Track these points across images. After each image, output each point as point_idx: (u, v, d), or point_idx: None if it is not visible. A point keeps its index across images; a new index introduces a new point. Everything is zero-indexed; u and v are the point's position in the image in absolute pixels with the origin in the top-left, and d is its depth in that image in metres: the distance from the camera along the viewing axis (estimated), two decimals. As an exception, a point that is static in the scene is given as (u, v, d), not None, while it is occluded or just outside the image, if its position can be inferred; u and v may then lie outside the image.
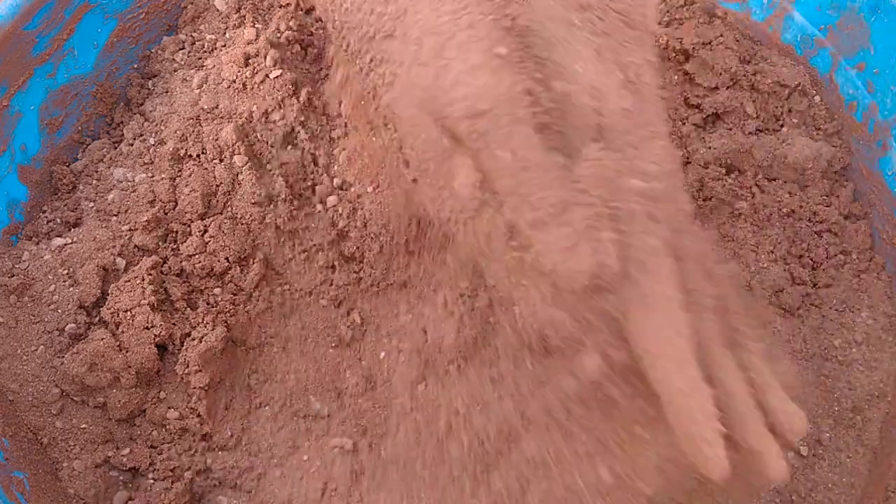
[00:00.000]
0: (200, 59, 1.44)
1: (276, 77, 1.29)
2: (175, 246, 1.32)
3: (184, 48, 1.48)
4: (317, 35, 1.43)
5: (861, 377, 1.33)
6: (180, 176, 1.30)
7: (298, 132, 1.30)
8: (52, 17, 1.38)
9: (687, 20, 1.55)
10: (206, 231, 1.29)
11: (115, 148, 1.41)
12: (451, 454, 1.20)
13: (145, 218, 1.31)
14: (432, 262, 1.28)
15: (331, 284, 1.31)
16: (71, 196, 1.40)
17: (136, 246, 1.32)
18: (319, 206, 1.29)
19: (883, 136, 1.43)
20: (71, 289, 1.28)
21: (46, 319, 1.26)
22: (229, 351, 1.26)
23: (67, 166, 1.42)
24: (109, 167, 1.41)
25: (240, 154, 1.26)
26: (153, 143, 1.37)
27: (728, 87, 1.49)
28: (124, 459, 1.19)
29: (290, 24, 1.39)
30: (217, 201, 1.29)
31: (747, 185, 1.44)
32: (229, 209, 1.28)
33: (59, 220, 1.39)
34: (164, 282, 1.28)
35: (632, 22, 0.84)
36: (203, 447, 1.23)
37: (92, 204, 1.37)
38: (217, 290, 1.30)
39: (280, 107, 1.30)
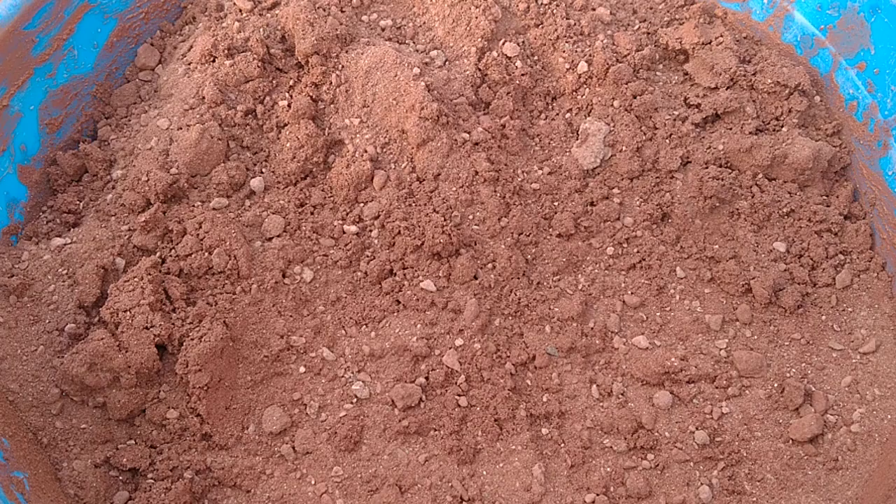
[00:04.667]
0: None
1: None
2: (173, 246, 1.32)
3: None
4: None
5: (861, 376, 1.33)
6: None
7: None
8: (52, 16, 1.38)
9: (687, 20, 1.55)
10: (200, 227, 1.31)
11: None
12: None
13: (143, 218, 1.31)
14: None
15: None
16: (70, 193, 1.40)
17: (135, 246, 1.33)
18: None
19: (883, 136, 1.42)
20: (70, 289, 1.28)
21: (46, 319, 1.26)
22: (229, 350, 1.26)
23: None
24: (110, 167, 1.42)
25: None
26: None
27: (728, 87, 1.49)
28: (124, 459, 1.19)
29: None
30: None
31: (747, 185, 1.44)
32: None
33: (58, 221, 1.39)
34: (163, 281, 1.28)
35: None
36: (203, 447, 1.23)
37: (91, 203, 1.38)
38: (216, 289, 1.31)
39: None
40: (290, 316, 1.32)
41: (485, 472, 1.23)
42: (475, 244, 1.36)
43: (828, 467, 1.26)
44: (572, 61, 1.47)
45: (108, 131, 1.46)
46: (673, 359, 1.32)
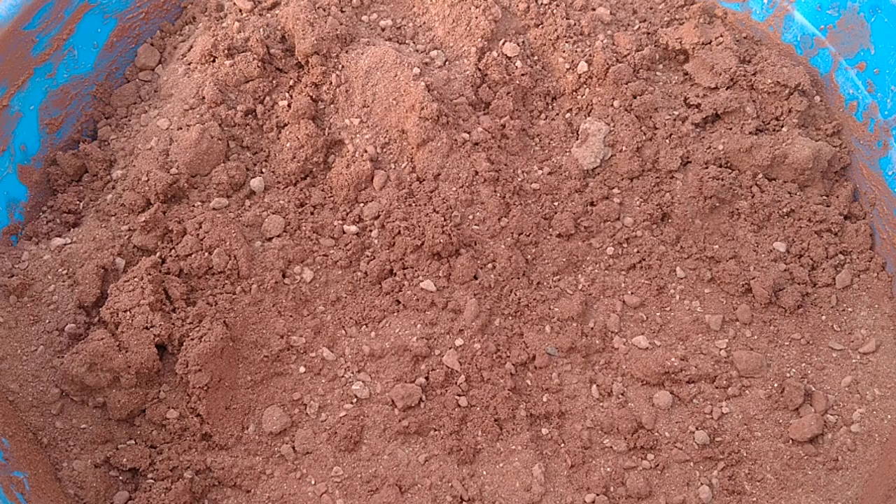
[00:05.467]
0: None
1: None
2: (173, 246, 1.32)
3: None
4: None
5: (861, 376, 1.33)
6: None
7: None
8: (52, 16, 1.38)
9: (687, 20, 1.55)
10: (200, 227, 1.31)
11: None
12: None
13: (143, 218, 1.31)
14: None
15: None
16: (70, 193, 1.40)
17: (135, 246, 1.33)
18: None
19: (883, 136, 1.42)
20: (70, 289, 1.28)
21: (46, 319, 1.26)
22: (229, 350, 1.26)
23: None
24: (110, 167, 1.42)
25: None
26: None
27: (728, 87, 1.48)
28: (124, 459, 1.19)
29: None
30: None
31: (747, 185, 1.44)
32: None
33: (58, 220, 1.39)
34: (163, 281, 1.28)
35: None
36: (203, 447, 1.23)
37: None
38: (216, 289, 1.31)
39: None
40: (290, 316, 1.32)
41: (485, 472, 1.23)
42: (475, 244, 1.36)
43: (828, 467, 1.26)
44: (572, 61, 1.47)
45: (108, 131, 1.46)
46: (673, 359, 1.32)
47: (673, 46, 1.52)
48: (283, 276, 1.33)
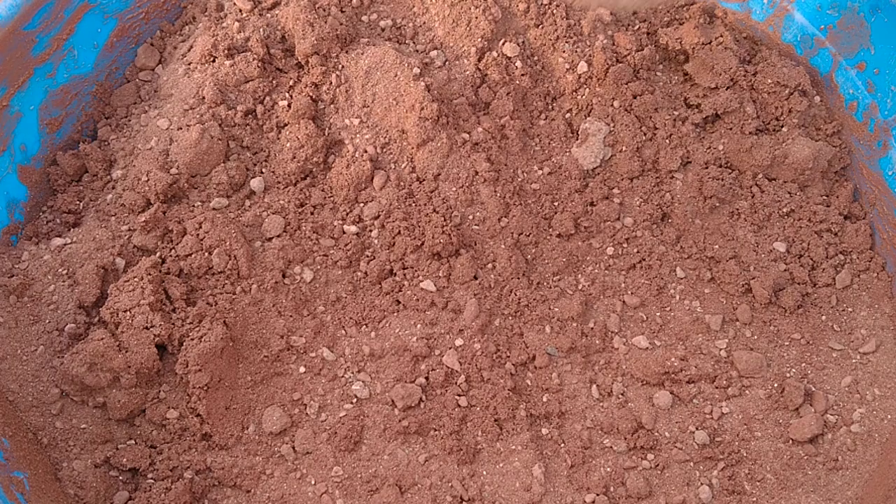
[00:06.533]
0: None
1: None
2: (173, 246, 1.32)
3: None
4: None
5: (861, 376, 1.33)
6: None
7: None
8: (52, 16, 1.38)
9: (687, 20, 1.55)
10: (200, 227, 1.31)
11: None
12: None
13: (143, 218, 1.31)
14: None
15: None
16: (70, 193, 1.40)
17: (135, 246, 1.33)
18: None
19: (883, 136, 1.42)
20: (70, 289, 1.28)
21: (46, 319, 1.26)
22: (229, 350, 1.26)
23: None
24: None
25: None
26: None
27: (728, 87, 1.48)
28: (124, 459, 1.19)
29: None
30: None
31: (747, 185, 1.44)
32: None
33: (58, 220, 1.39)
34: (163, 281, 1.28)
35: None
36: (203, 447, 1.23)
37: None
38: (216, 289, 1.31)
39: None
40: (290, 316, 1.32)
41: (485, 472, 1.23)
42: (475, 244, 1.36)
43: (828, 467, 1.26)
44: (572, 61, 1.47)
45: (108, 131, 1.46)
46: (673, 359, 1.32)
47: (673, 46, 1.52)
48: (283, 276, 1.33)
